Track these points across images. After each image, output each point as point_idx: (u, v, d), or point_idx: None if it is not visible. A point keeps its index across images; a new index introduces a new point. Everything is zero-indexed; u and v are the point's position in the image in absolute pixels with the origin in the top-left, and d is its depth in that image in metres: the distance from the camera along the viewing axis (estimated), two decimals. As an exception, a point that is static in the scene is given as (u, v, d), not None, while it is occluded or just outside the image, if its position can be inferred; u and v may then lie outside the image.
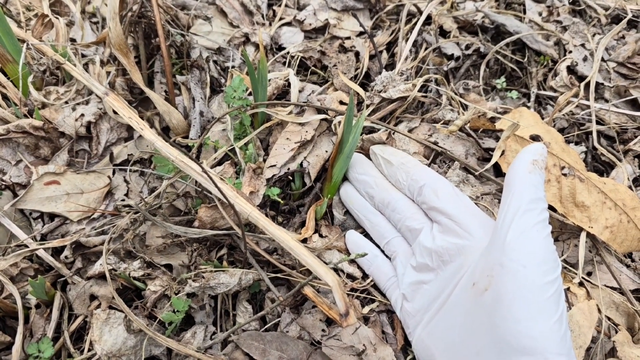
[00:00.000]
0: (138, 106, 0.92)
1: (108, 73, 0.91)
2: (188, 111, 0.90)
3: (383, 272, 0.68)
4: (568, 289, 0.69)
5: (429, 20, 1.05)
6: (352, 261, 0.71)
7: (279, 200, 0.77)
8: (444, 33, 1.06)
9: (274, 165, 0.81)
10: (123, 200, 0.79)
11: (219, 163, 0.84)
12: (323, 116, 0.82)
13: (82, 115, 0.87)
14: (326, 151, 0.83)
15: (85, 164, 0.87)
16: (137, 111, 0.86)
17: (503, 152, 0.77)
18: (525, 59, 1.02)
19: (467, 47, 1.02)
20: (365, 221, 0.74)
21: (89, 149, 0.88)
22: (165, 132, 0.91)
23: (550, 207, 0.74)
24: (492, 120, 0.82)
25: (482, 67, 1.00)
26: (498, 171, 0.83)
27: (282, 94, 0.93)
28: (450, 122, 0.86)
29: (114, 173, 0.85)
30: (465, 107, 0.89)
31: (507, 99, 1.00)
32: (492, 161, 0.75)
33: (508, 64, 1.02)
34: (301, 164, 0.81)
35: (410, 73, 0.88)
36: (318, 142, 0.84)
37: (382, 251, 0.72)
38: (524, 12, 1.09)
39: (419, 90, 0.89)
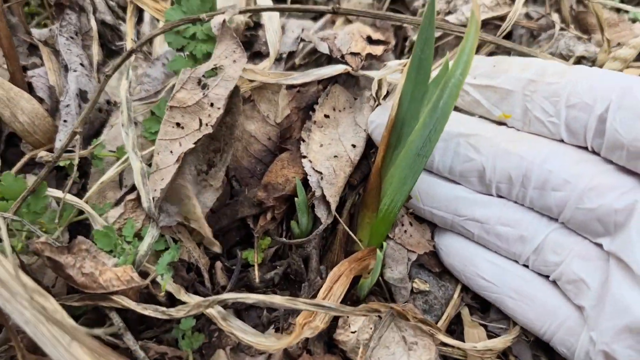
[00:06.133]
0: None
1: None
2: (58, 95, 0.45)
3: (544, 309, 0.40)
4: None
5: None
6: None
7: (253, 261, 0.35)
8: None
9: (248, 185, 0.38)
10: None
11: (131, 191, 0.40)
12: (342, 68, 0.37)
13: None
14: (353, 145, 0.39)
15: None
16: None
17: None
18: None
19: None
20: (475, 227, 0.39)
21: None
22: (15, 140, 0.45)
23: None
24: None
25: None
26: None
27: (246, 43, 0.49)
28: (583, 58, 0.44)
29: None
30: (601, 31, 0.47)
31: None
32: None
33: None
34: (305, 179, 0.38)
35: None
36: (336, 127, 0.40)
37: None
38: None
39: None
